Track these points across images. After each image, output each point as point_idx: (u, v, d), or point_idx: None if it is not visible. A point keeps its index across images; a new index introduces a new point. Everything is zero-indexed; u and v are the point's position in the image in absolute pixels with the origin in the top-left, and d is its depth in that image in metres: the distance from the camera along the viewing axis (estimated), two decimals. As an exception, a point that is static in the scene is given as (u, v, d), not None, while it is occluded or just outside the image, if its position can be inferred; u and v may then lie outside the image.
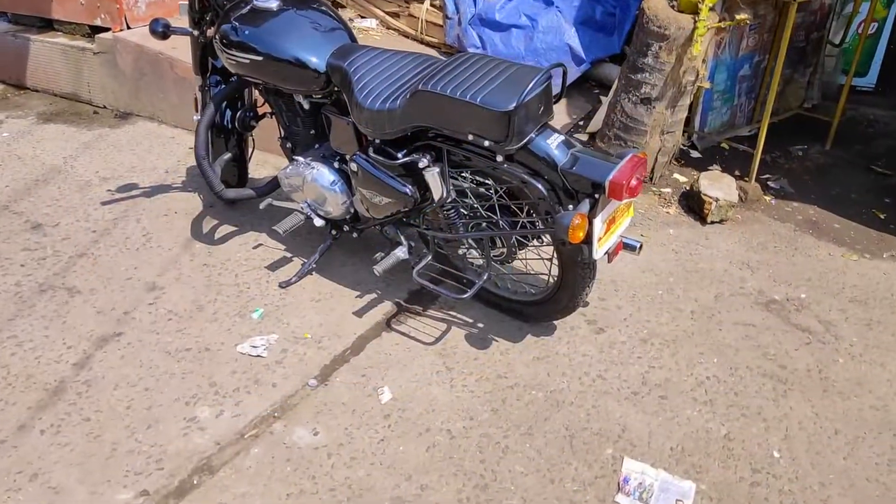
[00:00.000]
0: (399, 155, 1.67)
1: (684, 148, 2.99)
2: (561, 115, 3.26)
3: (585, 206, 1.45)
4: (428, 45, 3.62)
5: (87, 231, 2.27)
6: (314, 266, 2.09)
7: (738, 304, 2.07)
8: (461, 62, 1.59)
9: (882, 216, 2.64)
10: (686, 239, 2.41)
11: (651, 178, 2.73)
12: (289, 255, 2.20)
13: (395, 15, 3.69)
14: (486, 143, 1.51)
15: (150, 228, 2.30)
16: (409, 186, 1.68)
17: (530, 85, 1.42)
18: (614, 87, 2.76)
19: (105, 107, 3.22)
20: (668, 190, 2.70)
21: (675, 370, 1.80)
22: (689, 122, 2.91)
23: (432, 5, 3.53)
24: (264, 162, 2.72)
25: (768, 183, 2.84)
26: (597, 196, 1.46)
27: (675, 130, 2.69)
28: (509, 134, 1.45)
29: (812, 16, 3.08)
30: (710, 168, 2.89)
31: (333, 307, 1.97)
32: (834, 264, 2.32)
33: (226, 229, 2.31)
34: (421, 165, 1.64)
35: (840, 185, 2.85)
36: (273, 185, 2.16)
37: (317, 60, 1.78)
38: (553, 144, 1.51)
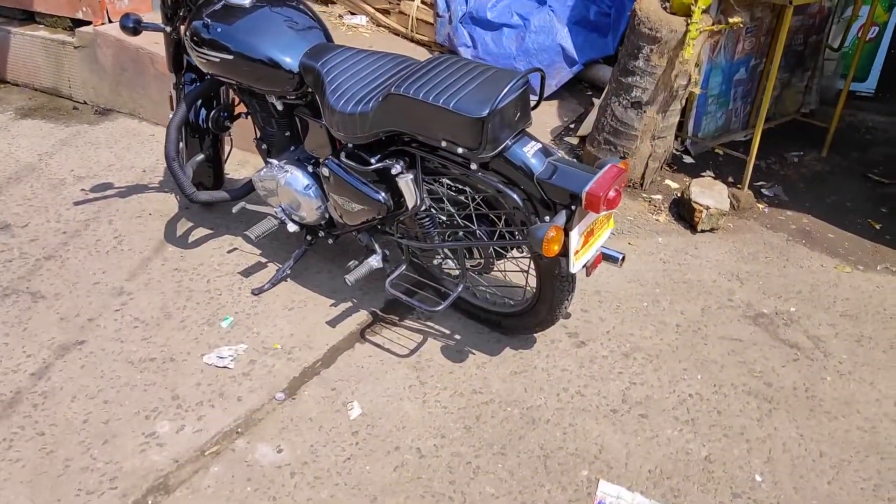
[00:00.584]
0: (372, 160, 1.60)
1: (677, 153, 2.92)
2: (552, 117, 3.19)
3: (561, 217, 1.38)
4: (418, 43, 3.55)
5: (56, 232, 2.20)
6: (288, 273, 2.03)
7: (725, 317, 2.01)
8: (437, 64, 1.52)
9: (877, 226, 2.58)
10: (675, 248, 2.34)
11: (641, 185, 2.66)
12: (264, 260, 2.13)
13: (386, 12, 3.61)
14: (460, 151, 1.44)
15: (123, 230, 2.23)
16: (382, 193, 1.62)
17: (505, 90, 1.35)
18: (605, 90, 2.69)
19: (85, 102, 3.14)
20: (659, 197, 2.63)
21: (657, 387, 1.74)
22: (682, 126, 2.85)
23: (423, 3, 3.46)
24: (245, 162, 2.65)
25: (762, 190, 2.77)
26: (573, 207, 1.39)
27: (667, 135, 2.62)
28: (482, 141, 1.39)
29: (811, 19, 3.00)
30: (703, 174, 2.83)
31: (306, 316, 1.91)
32: (826, 276, 2.25)
33: (200, 232, 2.25)
34: (394, 172, 1.57)
35: (835, 194, 2.78)
36: (249, 188, 2.09)
37: (290, 60, 1.70)
38: (530, 153, 1.44)
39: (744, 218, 2.56)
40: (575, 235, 1.41)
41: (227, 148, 2.29)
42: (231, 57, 1.72)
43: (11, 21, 3.25)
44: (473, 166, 1.48)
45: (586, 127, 2.89)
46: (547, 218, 1.44)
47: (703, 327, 1.96)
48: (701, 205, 2.43)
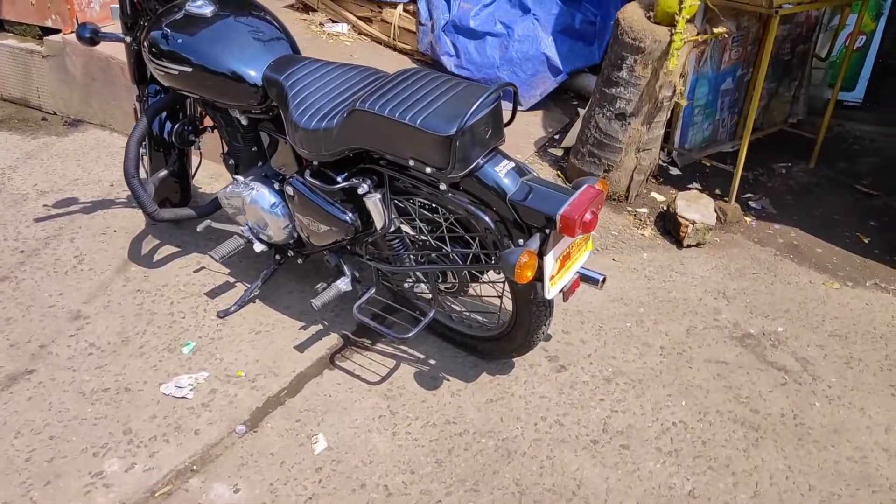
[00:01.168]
0: (339, 179, 1.52)
1: (663, 164, 2.85)
2: (536, 127, 3.12)
3: (535, 242, 1.31)
4: (401, 51, 3.47)
5: (13, 251, 2.09)
6: (257, 293, 1.93)
7: (711, 338, 1.93)
8: (405, 78, 1.44)
9: (866, 240, 2.52)
10: (660, 264, 2.27)
11: (626, 198, 2.59)
12: (232, 280, 2.03)
13: (368, 20, 3.54)
14: (428, 170, 1.36)
15: (84, 249, 2.13)
16: (350, 214, 1.53)
17: (474, 106, 1.27)
18: (589, 101, 2.63)
19: (55, 113, 3.04)
20: (644, 210, 2.56)
21: (640, 415, 1.66)
22: (668, 137, 2.79)
23: (406, 11, 3.39)
24: (218, 175, 2.55)
25: (749, 203, 2.71)
26: (548, 231, 1.31)
27: (652, 148, 2.55)
28: (451, 161, 1.31)
29: (798, 28, 2.96)
30: (690, 186, 2.76)
31: (273, 340, 1.82)
32: (814, 293, 2.19)
33: (167, 250, 2.15)
34: (360, 191, 1.48)
35: (823, 206, 2.73)
36: (215, 205, 2.00)
37: (253, 73, 1.62)
38: (502, 172, 1.36)
39: (731, 232, 2.50)
40: (550, 260, 1.33)
41: (196, 161, 2.20)
42: (190, 69, 1.64)
43: (-21, 29, 3.15)
44: (443, 186, 1.40)
45: (570, 138, 2.82)
46: (521, 241, 1.36)
47: (689, 349, 1.89)
48: (687, 219, 2.36)
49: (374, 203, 1.49)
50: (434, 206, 1.54)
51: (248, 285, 1.96)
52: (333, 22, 3.61)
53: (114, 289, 1.97)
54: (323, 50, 3.40)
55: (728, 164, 2.80)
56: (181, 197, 2.17)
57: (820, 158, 3.00)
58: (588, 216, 1.28)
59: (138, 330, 1.82)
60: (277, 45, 1.69)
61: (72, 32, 2.95)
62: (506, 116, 1.42)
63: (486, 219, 1.37)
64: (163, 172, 1.98)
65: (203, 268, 2.08)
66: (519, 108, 3.10)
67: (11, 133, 2.85)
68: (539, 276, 1.35)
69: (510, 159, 1.40)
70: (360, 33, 3.56)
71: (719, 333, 1.95)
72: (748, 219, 2.61)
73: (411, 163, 1.38)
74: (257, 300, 1.95)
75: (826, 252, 2.43)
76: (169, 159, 2.05)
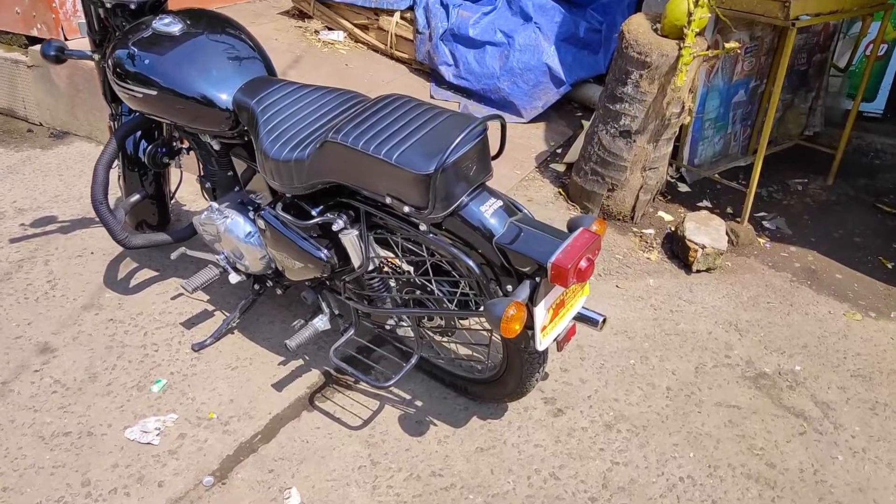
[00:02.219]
0: (313, 213, 1.40)
1: (672, 181, 2.71)
2: (538, 140, 2.98)
3: (524, 291, 1.17)
4: (398, 60, 3.35)
5: (-17, 276, 2.00)
6: (234, 325, 1.82)
7: (722, 378, 1.79)
8: (385, 106, 1.32)
9: (889, 265, 2.36)
10: (668, 291, 2.13)
11: (632, 218, 2.45)
12: (211, 308, 1.92)
13: (364, 28, 3.41)
14: (406, 209, 1.24)
15: (59, 273, 2.03)
16: (325, 250, 1.41)
17: (457, 141, 1.14)
18: (593, 115, 2.48)
19: (41, 124, 2.95)
20: (651, 231, 2.42)
21: (643, 468, 1.52)
22: (676, 152, 2.64)
23: (403, 18, 3.26)
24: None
25: (763, 222, 2.56)
26: (538, 279, 1.18)
27: (659, 166, 2.40)
28: (430, 200, 1.18)
29: (815, 37, 2.79)
30: (700, 204, 2.62)
31: (250, 377, 1.70)
32: (834, 325, 2.03)
33: (145, 275, 2.04)
34: (335, 228, 1.36)
35: (843, 226, 2.56)
36: (192, 230, 1.89)
37: (224, 97, 1.50)
38: (488, 212, 1.23)
39: (743, 255, 2.35)
40: (541, 310, 1.20)
41: (176, 178, 2.09)
42: (156, 92, 1.52)
43: (-35, 38, 3.07)
44: (423, 227, 1.27)
45: (573, 153, 2.68)
46: (510, 287, 1.23)
47: (698, 391, 1.74)
48: (696, 243, 2.21)
49: (350, 240, 1.37)
50: (414, 240, 1.42)
51: (227, 315, 1.85)
52: (329, 29, 3.49)
53: (85, 318, 1.86)
54: (318, 58, 3.29)
55: (740, 182, 2.65)
56: (159, 219, 2.06)
57: (839, 174, 2.84)
58: (583, 263, 1.14)
59: (107, 365, 1.71)
60: (251, 66, 1.56)
61: (57, 42, 2.86)
62: (494, 148, 1.29)
63: (471, 263, 1.24)
64: (135, 197, 1.87)
65: (181, 294, 1.97)
66: (520, 119, 3.02)
67: (-5, 146, 2.77)
68: (530, 326, 1.22)
69: (498, 197, 1.27)
70: (357, 41, 3.44)
71: (731, 373, 1.81)
72: (762, 240, 2.46)
73: (388, 200, 1.26)
74: (235, 331, 1.83)
75: (846, 278, 2.27)
76: (144, 180, 1.94)
